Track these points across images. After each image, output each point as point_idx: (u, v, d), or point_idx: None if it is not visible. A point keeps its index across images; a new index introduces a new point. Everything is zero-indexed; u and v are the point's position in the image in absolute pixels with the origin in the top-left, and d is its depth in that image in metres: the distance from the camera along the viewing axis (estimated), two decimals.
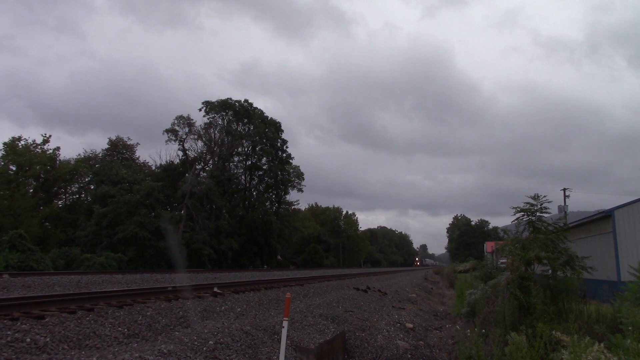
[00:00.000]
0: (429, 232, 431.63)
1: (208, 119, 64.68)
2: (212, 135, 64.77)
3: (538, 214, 11.73)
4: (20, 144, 44.39)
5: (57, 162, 48.88)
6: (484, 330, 8.89)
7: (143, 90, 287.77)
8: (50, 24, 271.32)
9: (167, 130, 60.56)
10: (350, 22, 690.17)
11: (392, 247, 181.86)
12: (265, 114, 69.52)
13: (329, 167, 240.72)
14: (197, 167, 62.27)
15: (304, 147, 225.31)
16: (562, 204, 45.90)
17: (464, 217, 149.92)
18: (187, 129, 61.78)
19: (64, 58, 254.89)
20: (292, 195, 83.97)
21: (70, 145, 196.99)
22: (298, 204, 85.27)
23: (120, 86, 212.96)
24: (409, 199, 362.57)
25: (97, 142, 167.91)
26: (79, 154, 56.73)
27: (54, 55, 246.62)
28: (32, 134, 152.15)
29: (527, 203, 11.78)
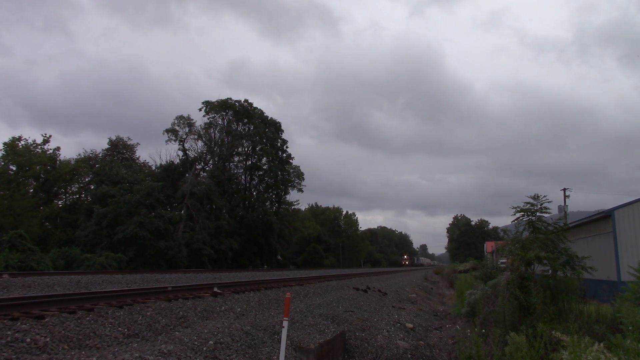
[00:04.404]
0: (427, 232, 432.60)
1: (208, 119, 64.80)
2: (212, 135, 64.78)
3: (538, 214, 11.74)
4: (20, 144, 44.38)
5: (57, 162, 48.88)
6: (484, 330, 8.89)
7: (133, 90, 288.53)
8: (37, 24, 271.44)
9: (167, 130, 60.63)
10: (338, 21, 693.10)
11: (392, 247, 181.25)
12: (265, 114, 69.54)
13: (324, 167, 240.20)
14: (197, 167, 62.27)
15: (298, 147, 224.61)
16: (562, 204, 45.91)
17: (464, 217, 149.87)
18: (187, 129, 61.88)
19: (53, 57, 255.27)
20: (292, 195, 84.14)
21: (64, 146, 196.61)
22: (298, 204, 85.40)
23: (110, 86, 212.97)
24: (407, 199, 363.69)
25: (90, 142, 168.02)
26: (79, 154, 56.81)
27: (43, 54, 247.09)
28: (24, 134, 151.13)
29: (527, 203, 11.79)
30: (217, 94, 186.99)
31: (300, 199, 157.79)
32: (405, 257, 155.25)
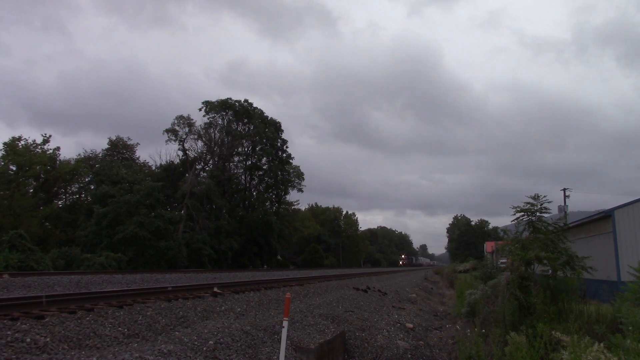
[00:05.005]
0: (427, 232, 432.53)
1: (208, 118, 64.83)
2: (212, 135, 64.79)
3: (538, 214, 11.74)
4: (20, 144, 44.39)
5: (57, 162, 48.88)
6: (484, 330, 8.89)
7: (133, 90, 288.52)
8: (36, 24, 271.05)
9: (167, 130, 60.65)
10: (337, 21, 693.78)
11: (392, 247, 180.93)
12: (265, 114, 69.55)
13: (324, 167, 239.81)
14: (197, 167, 62.28)
15: (297, 147, 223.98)
16: (562, 204, 45.90)
17: (464, 217, 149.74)
18: (187, 129, 61.91)
19: (51, 57, 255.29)
20: (292, 195, 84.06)
21: (64, 146, 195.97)
22: (298, 204, 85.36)
23: (109, 86, 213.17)
24: (406, 199, 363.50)
25: (90, 142, 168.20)
26: (79, 154, 56.82)
27: (42, 54, 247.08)
28: (24, 134, 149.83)
29: (528, 203, 11.79)
30: (216, 94, 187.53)
31: (300, 199, 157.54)
32: (402, 256, 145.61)
